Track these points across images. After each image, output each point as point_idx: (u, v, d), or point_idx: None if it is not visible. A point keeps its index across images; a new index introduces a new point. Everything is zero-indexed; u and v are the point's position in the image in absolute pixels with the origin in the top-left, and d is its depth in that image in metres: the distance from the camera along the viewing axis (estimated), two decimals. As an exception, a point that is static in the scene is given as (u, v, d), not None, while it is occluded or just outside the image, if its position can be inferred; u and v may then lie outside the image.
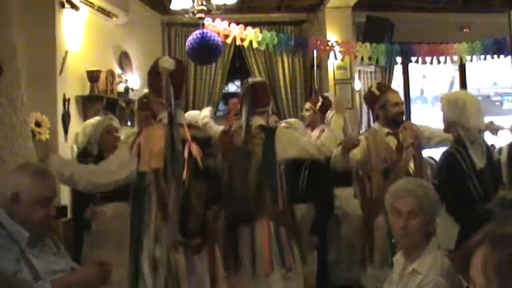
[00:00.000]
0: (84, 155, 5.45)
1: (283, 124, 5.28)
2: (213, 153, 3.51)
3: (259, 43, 7.59)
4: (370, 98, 4.94)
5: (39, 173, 2.80)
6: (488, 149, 4.33)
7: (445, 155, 4.25)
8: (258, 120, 4.30)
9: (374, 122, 5.00)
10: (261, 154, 4.18)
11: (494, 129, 4.79)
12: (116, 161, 3.47)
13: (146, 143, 3.28)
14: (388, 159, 4.56)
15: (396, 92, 5.06)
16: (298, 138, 4.37)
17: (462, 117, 4.11)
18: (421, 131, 4.84)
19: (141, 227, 3.27)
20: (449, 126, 4.24)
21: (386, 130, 4.73)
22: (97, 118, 5.71)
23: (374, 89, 4.93)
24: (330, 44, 7.98)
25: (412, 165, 4.58)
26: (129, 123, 6.95)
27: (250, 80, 4.60)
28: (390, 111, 4.73)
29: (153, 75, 3.53)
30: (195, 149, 3.30)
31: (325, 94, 6.70)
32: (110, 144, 4.76)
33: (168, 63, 3.47)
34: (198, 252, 3.30)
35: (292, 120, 5.93)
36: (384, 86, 5.22)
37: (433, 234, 2.77)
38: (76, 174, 3.50)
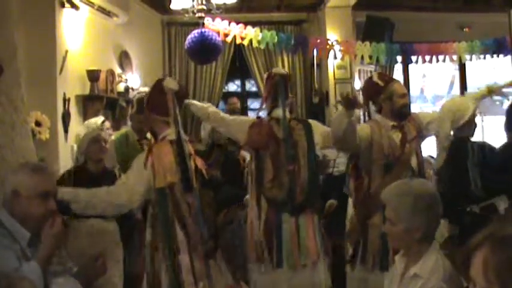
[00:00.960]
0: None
1: None
2: (214, 164, 3.69)
3: (259, 42, 7.59)
4: (373, 89, 4.51)
5: (37, 168, 2.84)
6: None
7: None
8: (279, 112, 4.41)
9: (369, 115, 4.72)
10: (306, 145, 4.34)
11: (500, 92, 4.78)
12: (132, 178, 3.53)
13: (157, 160, 3.41)
14: (391, 155, 4.27)
15: (400, 83, 4.72)
16: (326, 129, 4.56)
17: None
18: (421, 119, 4.58)
19: (169, 239, 3.40)
20: None
21: (391, 123, 4.37)
22: (95, 119, 5.73)
23: (376, 79, 4.54)
24: (330, 43, 7.99)
25: (414, 160, 4.34)
26: (129, 123, 6.95)
27: (277, 70, 4.73)
28: (397, 102, 4.38)
29: (157, 94, 3.64)
30: (200, 162, 3.54)
31: None
32: (95, 154, 4.73)
33: (173, 84, 3.62)
34: (212, 257, 3.49)
35: None
36: (387, 76, 4.86)
37: (433, 237, 2.70)
38: (93, 199, 3.51)
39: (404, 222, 2.65)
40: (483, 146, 4.18)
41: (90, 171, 4.69)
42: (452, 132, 4.30)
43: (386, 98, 4.38)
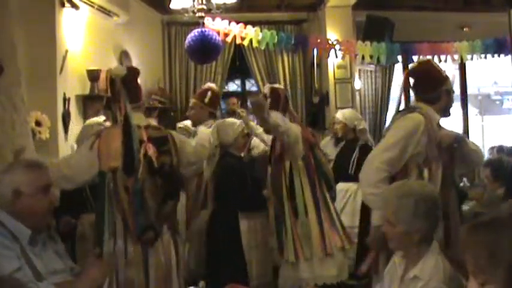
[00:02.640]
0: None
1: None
2: (169, 151, 3.66)
3: (259, 42, 7.59)
4: (437, 77, 3.84)
5: (32, 164, 2.87)
6: None
7: None
8: None
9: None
10: None
11: None
12: (80, 159, 3.57)
13: (105, 144, 3.48)
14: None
15: None
16: None
17: None
18: None
19: (102, 223, 3.45)
20: None
21: (438, 118, 3.79)
22: (96, 119, 5.73)
23: (437, 67, 3.97)
24: (330, 42, 7.99)
25: None
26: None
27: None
28: (452, 100, 3.91)
29: (110, 83, 3.73)
30: (151, 149, 3.52)
31: None
32: None
33: (118, 70, 3.70)
34: (151, 245, 3.48)
35: None
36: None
37: (432, 239, 2.69)
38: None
39: (404, 225, 2.65)
40: None
41: None
42: None
43: (446, 91, 3.84)
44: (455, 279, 2.56)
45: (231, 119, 4.93)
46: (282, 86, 5.50)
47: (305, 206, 4.67)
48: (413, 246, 2.66)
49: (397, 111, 3.92)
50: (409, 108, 3.81)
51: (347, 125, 6.68)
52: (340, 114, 6.84)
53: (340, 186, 6.14)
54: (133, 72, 3.78)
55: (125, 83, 3.63)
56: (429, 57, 8.03)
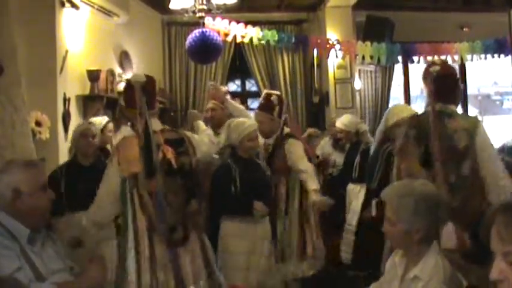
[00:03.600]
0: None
1: None
2: (186, 151, 3.75)
3: (259, 40, 7.59)
4: (456, 78, 3.99)
5: (28, 163, 2.88)
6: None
7: None
8: None
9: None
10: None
11: None
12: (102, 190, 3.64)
13: (124, 152, 3.57)
14: None
15: None
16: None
17: None
18: None
19: (127, 228, 3.51)
20: None
21: None
22: (99, 118, 5.73)
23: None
24: (330, 42, 7.99)
25: None
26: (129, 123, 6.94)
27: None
28: None
29: (127, 89, 3.74)
30: (169, 151, 3.62)
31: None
32: (83, 148, 4.76)
33: (139, 77, 3.73)
34: (181, 245, 3.55)
35: None
36: None
37: (433, 238, 2.68)
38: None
39: (404, 224, 2.64)
40: None
41: (81, 164, 4.74)
42: None
43: (461, 92, 3.98)
44: (455, 279, 2.56)
45: (241, 119, 4.89)
46: (278, 92, 5.46)
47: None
48: (414, 245, 2.65)
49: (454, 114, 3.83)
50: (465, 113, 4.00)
51: (349, 131, 6.75)
52: (339, 124, 6.86)
53: (351, 186, 6.36)
54: (152, 80, 3.84)
55: (144, 90, 3.68)
56: (429, 57, 8.04)
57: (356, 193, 6.20)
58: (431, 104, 3.82)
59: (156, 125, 3.74)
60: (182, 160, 3.68)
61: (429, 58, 8.08)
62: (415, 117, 4.03)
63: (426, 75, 3.91)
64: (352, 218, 6.09)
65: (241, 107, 5.72)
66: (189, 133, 3.99)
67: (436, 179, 3.55)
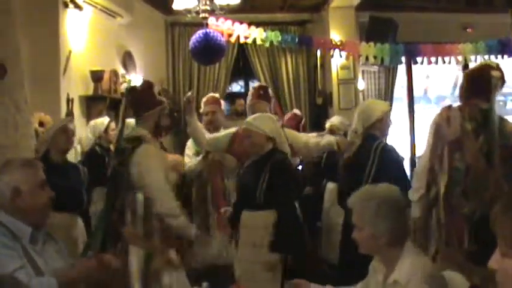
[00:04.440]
0: (91, 156, 5.49)
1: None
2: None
3: (263, 41, 7.59)
4: None
5: (26, 162, 2.91)
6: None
7: None
8: None
9: None
10: None
11: None
12: None
13: None
14: None
15: None
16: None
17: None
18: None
19: None
20: None
21: None
22: (101, 119, 5.73)
23: None
24: (333, 43, 7.99)
25: None
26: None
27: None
28: None
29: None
30: None
31: None
32: (62, 144, 4.61)
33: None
34: None
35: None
36: None
37: (402, 240, 2.65)
38: None
39: (370, 227, 2.64)
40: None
41: (54, 161, 4.53)
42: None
43: None
44: (435, 276, 2.55)
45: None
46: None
47: None
48: (384, 249, 2.65)
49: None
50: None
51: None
52: (329, 125, 6.73)
53: (330, 186, 6.27)
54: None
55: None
56: (433, 58, 8.04)
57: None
58: (491, 100, 3.91)
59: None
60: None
61: (432, 59, 8.07)
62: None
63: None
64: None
65: None
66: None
67: (494, 174, 3.62)
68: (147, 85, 4.15)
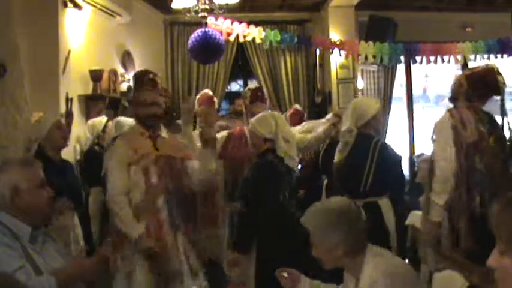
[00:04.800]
0: (90, 155, 5.48)
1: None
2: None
3: (262, 40, 7.59)
4: None
5: (25, 161, 2.90)
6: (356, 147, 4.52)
7: None
8: None
9: None
10: None
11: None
12: None
13: None
14: None
15: None
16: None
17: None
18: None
19: None
20: None
21: None
22: (99, 118, 5.73)
23: None
24: (333, 42, 7.99)
25: None
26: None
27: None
28: None
29: None
30: None
31: None
32: (58, 141, 4.46)
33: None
34: None
35: None
36: None
37: (361, 248, 2.67)
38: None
39: (325, 242, 2.66)
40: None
41: (51, 158, 4.35)
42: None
43: None
44: (400, 274, 2.57)
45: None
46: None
47: None
48: (345, 260, 2.67)
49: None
50: None
51: None
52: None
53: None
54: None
55: None
56: (432, 57, 8.04)
57: None
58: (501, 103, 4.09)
59: None
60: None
61: (432, 58, 8.07)
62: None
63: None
64: None
65: None
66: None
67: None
68: None
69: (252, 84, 5.70)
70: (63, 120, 4.76)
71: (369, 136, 4.51)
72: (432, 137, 4.09)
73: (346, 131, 4.51)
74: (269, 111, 4.95)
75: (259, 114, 4.66)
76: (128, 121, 5.16)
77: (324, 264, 2.74)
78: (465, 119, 3.92)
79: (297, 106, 6.99)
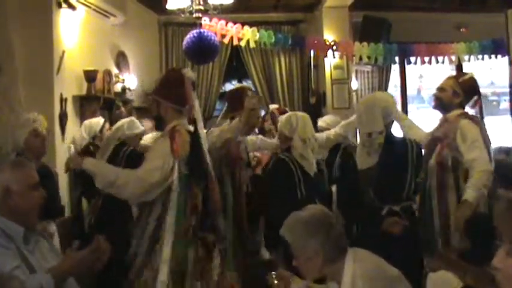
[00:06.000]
0: (85, 156, 5.45)
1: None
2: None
3: (256, 42, 7.60)
4: None
5: (18, 163, 2.89)
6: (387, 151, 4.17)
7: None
8: None
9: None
10: None
11: None
12: (161, 160, 3.51)
13: (182, 148, 3.52)
14: None
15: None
16: None
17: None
18: None
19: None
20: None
21: None
22: (96, 119, 5.72)
23: None
24: (327, 43, 8.00)
25: None
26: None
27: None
28: None
29: (178, 84, 3.71)
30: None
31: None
32: (37, 149, 4.28)
33: (191, 73, 3.76)
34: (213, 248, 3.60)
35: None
36: None
37: (340, 255, 2.65)
38: (126, 176, 3.54)
39: (303, 251, 2.66)
40: None
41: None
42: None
43: None
44: (381, 278, 2.57)
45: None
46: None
47: None
48: (326, 267, 2.66)
49: None
50: None
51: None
52: (322, 122, 6.56)
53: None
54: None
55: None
56: (426, 58, 8.07)
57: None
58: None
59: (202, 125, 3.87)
60: None
61: (426, 59, 8.10)
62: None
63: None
64: None
65: None
66: None
67: None
68: None
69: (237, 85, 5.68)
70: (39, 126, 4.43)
71: (397, 136, 4.31)
72: (464, 141, 4.10)
73: (377, 132, 4.10)
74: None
75: (288, 113, 4.97)
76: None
77: (306, 275, 2.74)
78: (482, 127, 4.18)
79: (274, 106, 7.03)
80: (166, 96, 3.73)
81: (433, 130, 4.45)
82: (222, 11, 6.86)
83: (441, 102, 4.34)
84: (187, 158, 3.52)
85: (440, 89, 4.37)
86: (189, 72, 3.73)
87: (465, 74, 4.51)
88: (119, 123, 5.44)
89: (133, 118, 5.86)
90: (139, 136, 5.63)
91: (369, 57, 7.91)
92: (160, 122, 3.90)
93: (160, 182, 3.45)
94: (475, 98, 4.38)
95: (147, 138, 5.69)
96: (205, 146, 3.66)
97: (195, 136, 3.59)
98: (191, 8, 6.68)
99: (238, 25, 7.51)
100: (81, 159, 3.68)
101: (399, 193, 4.01)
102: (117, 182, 3.48)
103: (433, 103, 4.50)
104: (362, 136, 4.22)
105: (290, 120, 4.59)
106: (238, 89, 5.33)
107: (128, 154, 5.33)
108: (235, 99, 4.73)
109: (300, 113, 4.81)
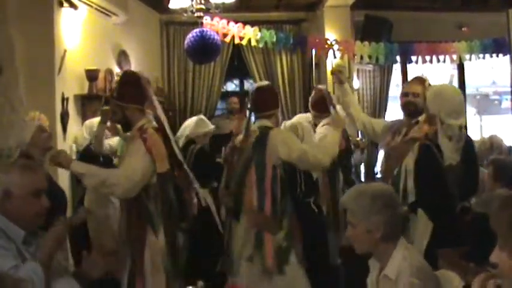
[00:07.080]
0: (86, 155, 5.46)
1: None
2: None
3: (258, 41, 7.60)
4: None
5: (27, 166, 2.81)
6: (468, 147, 4.13)
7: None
8: (262, 122, 4.36)
9: None
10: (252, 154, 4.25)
11: None
12: (139, 160, 3.60)
13: (155, 147, 3.60)
14: None
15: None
16: (290, 139, 4.29)
17: (442, 111, 3.95)
18: None
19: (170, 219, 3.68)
20: (430, 118, 4.05)
21: None
22: (98, 119, 5.72)
23: None
24: (329, 42, 7.99)
25: None
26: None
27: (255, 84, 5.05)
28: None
29: (135, 85, 3.76)
30: None
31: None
32: (44, 143, 4.21)
33: (146, 74, 3.96)
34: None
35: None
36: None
37: (396, 235, 2.70)
38: (109, 174, 3.68)
39: (364, 223, 2.68)
40: None
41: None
42: None
43: None
44: (426, 271, 2.61)
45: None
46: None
47: None
48: (378, 245, 2.69)
49: None
50: None
51: None
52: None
53: None
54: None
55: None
56: (428, 57, 8.06)
57: None
58: None
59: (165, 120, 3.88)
60: None
61: (427, 58, 8.10)
62: None
63: None
64: None
65: None
66: None
67: None
68: None
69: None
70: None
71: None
72: None
73: (461, 127, 3.99)
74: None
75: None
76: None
77: (357, 248, 2.75)
78: None
79: None
80: (128, 98, 3.75)
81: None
82: (224, 10, 6.87)
83: (416, 108, 4.28)
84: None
85: (413, 94, 4.32)
86: (143, 73, 3.87)
87: (424, 79, 4.47)
88: (188, 121, 5.47)
89: (202, 116, 5.93)
90: (208, 134, 5.68)
91: (370, 57, 7.91)
92: (127, 126, 3.87)
93: (142, 180, 3.57)
94: None
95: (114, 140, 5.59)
96: (173, 143, 3.74)
97: (164, 133, 3.70)
98: (193, 7, 6.68)
99: (240, 24, 7.52)
100: (69, 160, 3.76)
101: (472, 190, 4.17)
102: (108, 181, 3.57)
103: (406, 109, 4.45)
104: (452, 130, 3.95)
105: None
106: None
107: (197, 152, 5.35)
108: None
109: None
